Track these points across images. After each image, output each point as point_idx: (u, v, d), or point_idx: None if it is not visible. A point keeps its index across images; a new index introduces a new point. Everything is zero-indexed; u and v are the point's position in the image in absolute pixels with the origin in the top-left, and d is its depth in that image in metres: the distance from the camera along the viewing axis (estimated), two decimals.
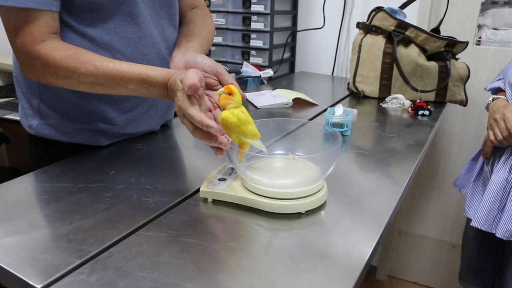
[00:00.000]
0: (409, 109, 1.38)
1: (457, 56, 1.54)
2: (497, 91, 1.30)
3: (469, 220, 1.30)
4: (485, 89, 1.38)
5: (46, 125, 0.95)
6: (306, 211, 0.72)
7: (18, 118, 1.68)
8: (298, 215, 0.72)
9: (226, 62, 1.97)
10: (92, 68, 0.77)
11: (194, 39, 0.96)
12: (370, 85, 1.52)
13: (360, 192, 0.81)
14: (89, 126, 0.95)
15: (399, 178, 0.89)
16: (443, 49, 1.46)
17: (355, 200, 0.78)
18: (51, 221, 0.68)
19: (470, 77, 1.52)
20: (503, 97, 1.23)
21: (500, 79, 1.30)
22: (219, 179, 0.78)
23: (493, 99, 1.24)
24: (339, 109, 1.17)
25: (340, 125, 1.12)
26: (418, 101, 1.40)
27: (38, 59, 0.78)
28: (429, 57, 1.49)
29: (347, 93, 1.65)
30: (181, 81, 0.70)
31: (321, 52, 2.06)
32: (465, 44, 1.48)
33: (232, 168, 0.82)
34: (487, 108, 1.27)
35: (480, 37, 1.77)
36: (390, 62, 1.47)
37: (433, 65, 1.46)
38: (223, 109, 0.73)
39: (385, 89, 1.51)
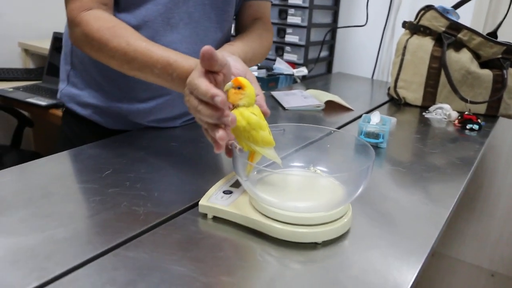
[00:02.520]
0: (456, 121, 1.21)
1: None
2: None
3: None
4: None
5: (69, 92, 0.96)
6: (324, 241, 0.59)
7: (40, 103, 1.64)
8: (314, 245, 0.58)
9: None
10: (124, 43, 0.72)
11: (238, 44, 0.87)
12: (413, 92, 1.35)
13: (393, 218, 0.66)
14: (108, 105, 0.93)
15: (441, 202, 0.73)
16: (500, 56, 1.27)
17: (386, 228, 0.63)
18: (22, 227, 0.58)
19: None
20: None
21: None
22: (224, 192, 0.66)
23: None
24: (376, 117, 1.02)
25: (376, 136, 0.97)
26: (466, 113, 1.22)
27: (79, 26, 0.76)
28: (483, 65, 1.31)
29: (386, 99, 1.48)
30: None
31: (362, 52, 1.89)
32: None
33: None
34: None
35: None
36: (437, 67, 1.30)
37: (487, 73, 1.27)
38: (234, 108, 0.61)
39: (430, 97, 1.34)
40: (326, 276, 0.53)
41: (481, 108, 1.30)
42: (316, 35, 1.80)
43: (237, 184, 0.68)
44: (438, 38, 1.31)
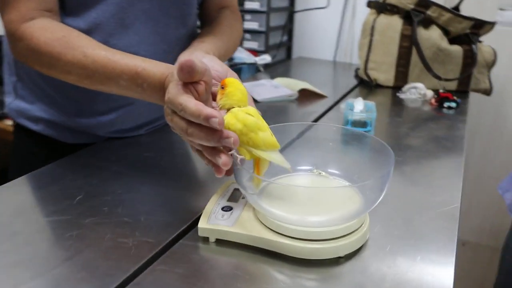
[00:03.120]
0: (433, 100, 1.18)
1: (480, 39, 1.34)
2: None
3: None
4: None
5: (18, 107, 0.83)
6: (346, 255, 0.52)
7: None
8: (335, 260, 0.52)
9: None
10: (79, 55, 0.61)
11: (209, 40, 0.77)
12: (384, 73, 1.32)
13: (407, 215, 0.61)
14: (63, 119, 0.82)
15: (446, 189, 0.69)
16: (468, 31, 1.26)
17: (403, 227, 0.58)
18: None
19: None
20: None
21: None
22: (223, 209, 0.57)
23: None
24: (359, 104, 0.97)
25: (363, 124, 0.92)
26: (441, 91, 1.20)
27: (22, 40, 0.64)
28: (451, 41, 1.29)
29: (355, 81, 1.44)
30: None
31: (321, 35, 1.84)
32: (493, 25, 1.28)
33: (239, 191, 0.61)
34: None
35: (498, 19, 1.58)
36: (408, 46, 1.27)
37: (457, 49, 1.26)
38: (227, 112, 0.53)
39: (402, 77, 1.31)
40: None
41: (452, 85, 1.29)
42: (276, 20, 1.72)
43: (235, 198, 0.60)
44: (406, 16, 1.28)
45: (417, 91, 1.24)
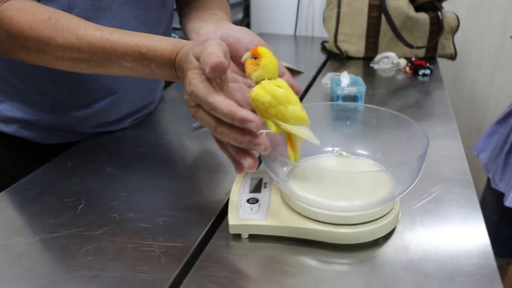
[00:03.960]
0: (407, 69, 1.20)
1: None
2: None
3: (491, 188, 1.17)
4: None
5: None
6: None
7: None
8: (372, 242, 0.50)
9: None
10: (72, 38, 0.54)
11: (219, 11, 0.72)
12: (354, 44, 1.32)
13: (419, 182, 0.61)
14: (38, 117, 0.74)
15: (454, 159, 0.70)
16: None
17: (428, 204, 0.58)
18: None
19: None
20: None
21: None
22: (248, 201, 0.54)
23: None
24: (345, 78, 0.95)
25: (353, 98, 0.91)
26: (414, 59, 1.22)
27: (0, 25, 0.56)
28: (416, 9, 1.31)
29: (322, 55, 1.43)
30: (197, 57, 0.46)
31: (279, 9, 1.80)
32: None
33: (260, 180, 0.58)
34: None
35: None
36: (377, 16, 1.27)
37: (424, 17, 1.28)
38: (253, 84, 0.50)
39: (372, 48, 1.31)
40: (417, 263, 0.45)
41: (421, 52, 1.32)
42: None
43: (257, 188, 0.57)
44: None
45: (390, 61, 1.25)
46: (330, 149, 0.61)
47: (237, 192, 0.56)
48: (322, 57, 1.41)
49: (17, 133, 0.74)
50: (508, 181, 1.08)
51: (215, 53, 0.44)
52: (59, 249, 0.49)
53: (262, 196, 0.55)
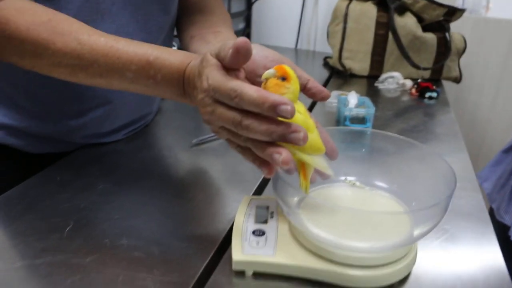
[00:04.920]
0: (413, 90, 1.17)
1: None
2: None
3: (494, 220, 1.13)
4: None
5: None
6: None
7: None
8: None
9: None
10: (73, 42, 0.50)
11: (224, 29, 0.68)
12: (359, 62, 1.29)
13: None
14: (27, 124, 0.69)
15: (466, 188, 0.66)
16: (442, 18, 1.25)
17: (441, 234, 0.54)
18: None
19: None
20: None
21: None
22: (254, 233, 0.49)
23: None
24: (353, 98, 0.92)
25: (361, 120, 0.87)
26: (420, 80, 1.19)
27: None
28: (424, 29, 1.28)
29: (325, 70, 1.40)
30: (216, 55, 0.43)
31: (281, 21, 1.77)
32: (462, 12, 1.29)
33: (266, 209, 0.54)
34: None
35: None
36: (384, 33, 1.24)
37: (432, 37, 1.25)
38: None
39: (377, 66, 1.28)
40: None
41: (426, 73, 1.29)
42: (234, 7, 1.63)
43: (262, 218, 0.52)
44: (380, 3, 1.25)
45: (395, 81, 1.22)
46: (342, 178, 0.57)
47: (242, 222, 0.51)
48: (324, 73, 1.38)
49: (3, 140, 0.69)
50: None
51: (239, 39, 0.40)
52: (42, 280, 0.44)
53: (269, 227, 0.51)
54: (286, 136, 0.39)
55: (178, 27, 0.77)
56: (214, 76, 0.41)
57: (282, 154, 0.39)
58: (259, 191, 0.65)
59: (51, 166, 0.67)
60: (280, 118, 0.39)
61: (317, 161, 0.46)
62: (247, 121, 0.39)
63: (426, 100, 1.14)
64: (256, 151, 0.42)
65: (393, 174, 0.56)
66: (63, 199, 0.58)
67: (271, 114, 0.38)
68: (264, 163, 0.43)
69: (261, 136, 0.40)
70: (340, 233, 0.46)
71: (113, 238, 0.51)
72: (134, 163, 0.70)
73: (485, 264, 0.51)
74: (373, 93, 1.20)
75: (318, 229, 0.46)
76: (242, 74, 0.44)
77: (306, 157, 0.45)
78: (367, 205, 0.54)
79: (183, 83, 0.48)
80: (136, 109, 0.78)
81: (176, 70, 0.48)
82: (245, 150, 0.44)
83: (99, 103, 0.70)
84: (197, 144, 0.77)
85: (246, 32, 1.81)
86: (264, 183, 0.67)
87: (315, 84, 0.50)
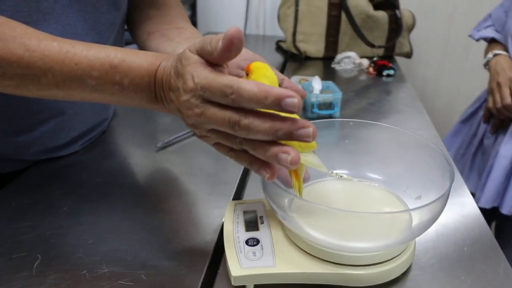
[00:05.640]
0: (370, 69, 1.17)
1: None
2: (490, 41, 1.14)
3: None
4: (470, 36, 1.20)
5: None
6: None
7: None
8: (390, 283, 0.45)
9: None
10: (20, 49, 0.42)
11: (187, 25, 0.64)
12: (314, 44, 1.27)
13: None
14: None
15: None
16: None
17: (435, 230, 0.54)
18: None
19: None
20: (503, 53, 1.06)
21: (489, 26, 1.16)
22: (247, 242, 0.46)
23: (494, 55, 1.07)
24: (317, 83, 0.90)
25: (328, 106, 0.86)
26: (376, 58, 1.20)
27: None
28: (374, 7, 1.29)
29: (278, 55, 1.38)
30: (198, 51, 0.38)
31: (227, 7, 1.72)
32: None
33: (254, 214, 0.50)
34: (486, 65, 1.10)
35: None
36: (336, 14, 1.23)
37: (383, 15, 1.26)
38: None
39: (332, 48, 1.28)
40: None
41: (380, 51, 1.30)
42: None
43: (252, 224, 0.49)
44: None
45: (351, 61, 1.22)
46: (328, 171, 0.55)
47: (232, 232, 0.48)
48: (278, 57, 1.35)
49: None
50: (476, 181, 1.09)
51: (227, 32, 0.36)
52: None
53: (262, 234, 0.47)
54: (293, 133, 0.35)
55: (130, 23, 0.70)
56: (201, 74, 0.37)
57: (290, 153, 0.35)
58: (239, 193, 0.62)
59: (1, 190, 0.60)
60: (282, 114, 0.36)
61: (309, 159, 0.43)
62: (247, 120, 0.35)
63: (384, 78, 1.15)
64: (255, 152, 0.37)
65: (379, 163, 0.54)
66: (23, 228, 0.52)
67: (275, 109, 0.34)
68: (264, 165, 0.38)
69: (263, 135, 0.35)
70: (340, 234, 0.43)
71: (91, 267, 0.46)
72: (98, 176, 0.64)
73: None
74: (330, 74, 1.19)
75: (317, 232, 0.44)
76: (226, 70, 0.40)
77: None
78: (362, 199, 0.52)
79: (154, 86, 0.43)
80: (92, 116, 0.71)
81: (145, 73, 0.43)
82: (239, 154, 0.40)
83: (51, 115, 0.63)
84: (163, 147, 0.72)
85: (192, 20, 1.74)
86: (242, 184, 0.64)
87: (291, 83, 0.48)
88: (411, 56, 1.38)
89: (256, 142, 0.37)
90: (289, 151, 0.35)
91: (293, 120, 0.35)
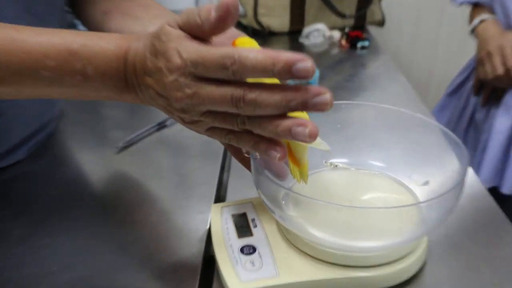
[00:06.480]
0: (343, 42, 1.16)
1: None
2: (474, 6, 1.14)
3: None
4: (453, 0, 1.19)
5: None
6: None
7: None
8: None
9: None
10: None
11: (152, 3, 0.60)
12: (278, 17, 1.25)
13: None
14: None
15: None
16: None
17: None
18: None
19: None
20: (490, 17, 1.06)
21: None
22: (242, 251, 0.44)
23: (480, 21, 1.07)
24: None
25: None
26: (347, 30, 1.19)
27: None
28: None
29: (240, 31, 1.34)
30: (181, 25, 0.35)
31: None
32: None
33: (243, 216, 0.48)
34: (473, 32, 1.10)
35: None
36: None
37: None
38: None
39: (298, 20, 1.26)
40: None
41: (350, 21, 1.30)
42: None
43: (244, 229, 0.47)
44: None
45: (320, 34, 1.20)
46: (322, 161, 0.53)
47: (222, 240, 0.45)
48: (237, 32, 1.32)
49: None
50: (471, 159, 1.11)
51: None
52: None
53: (257, 240, 0.45)
54: (308, 102, 0.32)
55: (75, 2, 0.65)
56: (189, 48, 0.34)
57: (308, 125, 0.32)
58: (220, 194, 0.59)
59: None
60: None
61: None
62: (253, 94, 0.32)
63: (358, 51, 1.14)
64: (262, 131, 0.34)
65: (377, 147, 0.53)
66: None
67: (285, 77, 0.32)
68: (272, 144, 0.35)
69: (273, 109, 0.33)
70: (347, 233, 0.42)
71: (64, 281, 0.42)
72: (51, 188, 0.59)
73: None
74: (298, 50, 1.17)
75: (322, 232, 0.42)
76: (211, 45, 0.37)
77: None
78: (365, 190, 0.50)
79: (124, 72, 0.40)
80: (36, 117, 0.66)
81: (113, 58, 0.39)
82: (240, 136, 0.37)
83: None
84: (124, 148, 0.68)
85: None
86: (221, 183, 0.61)
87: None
88: (383, 24, 1.38)
89: (263, 119, 0.34)
90: (305, 123, 0.33)
91: (305, 87, 0.32)
